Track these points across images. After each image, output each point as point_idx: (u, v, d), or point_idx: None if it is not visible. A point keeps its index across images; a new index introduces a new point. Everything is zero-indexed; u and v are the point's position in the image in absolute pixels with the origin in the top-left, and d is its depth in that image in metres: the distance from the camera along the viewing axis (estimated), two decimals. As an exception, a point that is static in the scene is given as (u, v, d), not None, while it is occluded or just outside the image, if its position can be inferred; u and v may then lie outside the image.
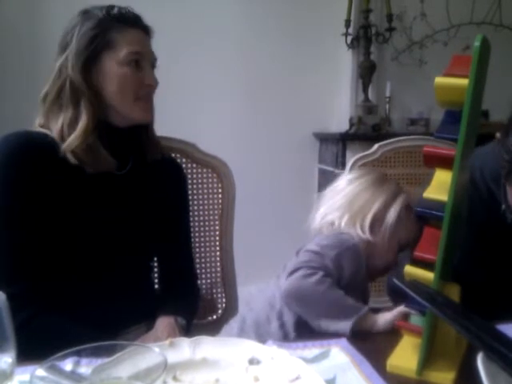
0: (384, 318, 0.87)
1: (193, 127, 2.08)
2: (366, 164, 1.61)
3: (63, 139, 0.99)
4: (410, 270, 0.71)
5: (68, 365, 0.52)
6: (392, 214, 1.03)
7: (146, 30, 1.07)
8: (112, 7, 1.03)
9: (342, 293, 0.90)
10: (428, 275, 0.68)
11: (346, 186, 1.11)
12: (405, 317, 0.84)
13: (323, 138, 2.99)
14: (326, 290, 0.89)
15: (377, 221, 1.03)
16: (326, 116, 3.02)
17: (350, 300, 0.89)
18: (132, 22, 1.04)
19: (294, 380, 0.63)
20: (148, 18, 1.09)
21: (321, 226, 1.09)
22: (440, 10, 2.89)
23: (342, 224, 1.04)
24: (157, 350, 0.48)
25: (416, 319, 0.74)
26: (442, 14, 2.90)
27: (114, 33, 1.01)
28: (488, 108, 2.91)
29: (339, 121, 2.95)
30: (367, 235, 1.02)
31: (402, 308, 0.86)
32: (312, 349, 0.75)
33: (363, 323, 0.85)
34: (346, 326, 0.84)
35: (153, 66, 1.08)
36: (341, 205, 1.07)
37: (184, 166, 1.28)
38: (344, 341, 0.79)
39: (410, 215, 1.04)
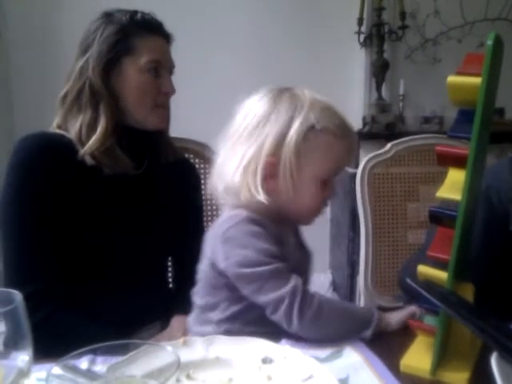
0: (396, 318, 0.85)
1: (206, 128, 2.09)
2: (379, 163, 1.61)
3: (81, 140, 1.00)
4: (423, 269, 0.71)
5: (84, 363, 0.53)
6: (289, 150, 0.79)
7: (167, 38, 1.08)
8: (136, 13, 1.04)
9: (338, 299, 0.85)
10: (441, 275, 0.68)
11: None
12: (414, 316, 0.83)
13: (336, 137, 2.98)
14: (326, 308, 0.78)
15: (270, 166, 0.80)
16: (338, 115, 3.00)
17: (353, 306, 0.86)
18: (154, 29, 1.05)
19: (307, 379, 0.63)
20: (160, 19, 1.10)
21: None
22: (453, 7, 2.86)
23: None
24: (170, 348, 0.48)
25: (430, 319, 0.74)
26: (456, 11, 2.87)
27: (136, 39, 1.02)
28: (504, 106, 2.87)
29: (352, 120, 2.88)
30: (261, 194, 0.80)
31: (412, 308, 0.86)
32: (325, 348, 0.75)
33: (379, 326, 0.82)
34: (365, 334, 0.80)
35: (170, 72, 1.10)
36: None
37: (197, 166, 1.29)
38: (357, 340, 0.78)
39: (317, 137, 0.81)
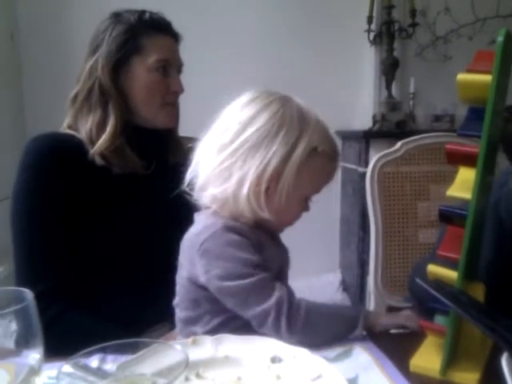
0: (386, 319, 0.84)
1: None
2: (389, 162, 1.60)
3: (91, 140, 1.01)
4: (433, 269, 0.70)
5: (94, 361, 0.53)
6: (291, 169, 0.79)
7: (175, 37, 1.09)
8: (144, 12, 1.05)
9: (322, 302, 0.82)
10: (452, 274, 0.67)
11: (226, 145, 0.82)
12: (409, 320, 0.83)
13: (346, 136, 2.97)
14: (314, 315, 0.77)
15: (271, 182, 0.80)
16: (348, 114, 3.00)
17: (339, 308, 0.85)
18: (163, 28, 1.06)
19: (316, 379, 0.63)
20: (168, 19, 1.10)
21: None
22: (465, 4, 2.84)
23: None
24: (179, 347, 0.48)
25: (440, 319, 0.74)
26: (467, 8, 2.84)
27: (145, 39, 1.03)
28: (515, 103, 2.85)
29: (362, 118, 2.93)
30: (265, 211, 0.80)
31: (408, 312, 0.85)
32: (334, 348, 0.75)
33: (366, 324, 0.81)
34: (356, 334, 0.80)
35: (179, 71, 1.10)
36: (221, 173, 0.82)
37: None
38: (367, 340, 0.78)
39: (316, 159, 0.82)
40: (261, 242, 0.83)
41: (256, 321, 0.77)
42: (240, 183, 0.79)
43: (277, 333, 0.74)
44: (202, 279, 0.79)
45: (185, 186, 0.86)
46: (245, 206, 0.80)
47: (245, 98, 0.85)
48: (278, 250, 0.89)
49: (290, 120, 0.80)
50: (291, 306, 0.76)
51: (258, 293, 0.76)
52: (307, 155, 0.80)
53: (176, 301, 0.88)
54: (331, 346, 0.76)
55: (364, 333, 0.80)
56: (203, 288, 0.80)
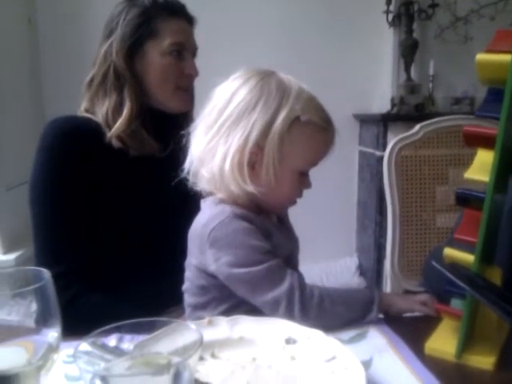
0: (401, 302, 0.84)
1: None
2: (407, 145, 1.58)
3: (108, 124, 1.02)
4: (449, 252, 0.70)
5: (112, 341, 0.55)
6: (273, 140, 0.78)
7: (189, 20, 1.08)
8: None
9: (334, 287, 0.82)
10: (468, 258, 0.67)
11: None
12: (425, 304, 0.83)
13: (364, 120, 2.95)
14: (328, 299, 0.77)
15: (254, 155, 0.80)
16: (366, 97, 2.96)
17: (353, 292, 0.84)
18: (177, 11, 1.05)
19: (330, 360, 0.63)
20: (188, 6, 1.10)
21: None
22: (487, -17, 2.77)
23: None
24: (193, 327, 0.49)
25: (456, 302, 0.73)
26: (489, -13, 2.78)
27: (159, 22, 1.02)
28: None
29: (380, 101, 2.89)
30: (249, 184, 0.79)
31: (425, 295, 0.85)
32: (348, 330, 0.75)
33: (381, 306, 0.81)
34: (371, 317, 0.79)
35: (194, 55, 1.10)
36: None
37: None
38: (382, 322, 0.78)
39: (300, 129, 0.80)
40: (268, 229, 0.83)
41: (267, 308, 0.77)
42: (224, 158, 0.79)
43: (291, 318, 0.74)
44: (212, 267, 0.79)
45: (185, 173, 0.86)
46: (229, 179, 0.79)
47: (231, 77, 0.84)
48: (286, 236, 0.89)
49: (268, 92, 0.79)
50: (303, 293, 0.76)
51: (269, 279, 0.77)
52: (289, 125, 0.79)
53: (185, 286, 0.89)
54: (346, 329, 0.76)
55: (379, 316, 0.80)
56: (212, 276, 0.81)
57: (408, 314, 0.85)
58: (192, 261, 0.85)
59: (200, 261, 0.82)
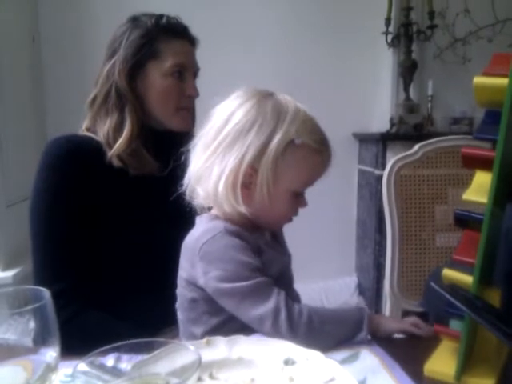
0: (390, 323, 0.85)
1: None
2: (406, 165, 1.59)
3: (109, 143, 1.03)
4: (448, 273, 0.70)
5: (109, 360, 0.54)
6: (267, 162, 0.79)
7: (191, 42, 1.10)
8: (161, 17, 1.06)
9: (326, 308, 0.82)
10: (467, 279, 0.67)
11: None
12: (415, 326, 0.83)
13: (363, 139, 2.96)
14: (316, 318, 0.77)
15: (248, 176, 0.81)
16: (365, 116, 2.99)
17: (342, 311, 0.84)
18: (179, 33, 1.07)
19: (329, 381, 0.63)
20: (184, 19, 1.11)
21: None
22: (484, 5, 2.80)
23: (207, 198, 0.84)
24: (192, 347, 0.49)
25: (455, 324, 0.73)
26: (487, 10, 2.81)
27: (161, 43, 1.04)
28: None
29: (379, 121, 2.92)
30: (241, 205, 0.80)
31: (414, 318, 0.85)
32: (340, 350, 0.75)
33: (370, 326, 0.81)
34: (361, 337, 0.79)
35: (195, 75, 1.11)
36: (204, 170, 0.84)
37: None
38: (373, 343, 0.78)
39: (295, 152, 0.81)
40: (259, 247, 0.83)
41: (254, 324, 0.77)
42: (219, 178, 0.80)
43: (278, 337, 0.74)
44: (201, 281, 0.80)
45: (183, 189, 0.87)
46: (223, 199, 0.81)
47: (231, 95, 0.86)
48: (278, 253, 0.89)
49: (264, 115, 0.80)
50: (290, 312, 0.76)
51: (254, 296, 0.77)
52: (284, 148, 0.80)
53: (177, 304, 0.89)
54: (338, 349, 0.75)
55: (369, 337, 0.80)
56: (201, 289, 0.81)
57: (397, 335, 0.85)
58: (182, 274, 0.86)
59: (190, 274, 0.83)
